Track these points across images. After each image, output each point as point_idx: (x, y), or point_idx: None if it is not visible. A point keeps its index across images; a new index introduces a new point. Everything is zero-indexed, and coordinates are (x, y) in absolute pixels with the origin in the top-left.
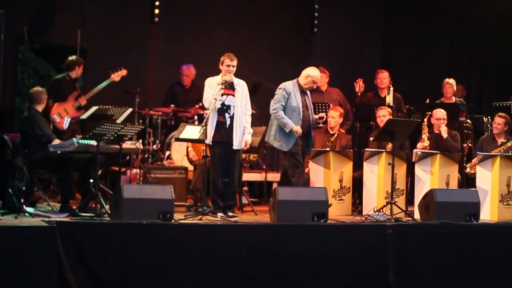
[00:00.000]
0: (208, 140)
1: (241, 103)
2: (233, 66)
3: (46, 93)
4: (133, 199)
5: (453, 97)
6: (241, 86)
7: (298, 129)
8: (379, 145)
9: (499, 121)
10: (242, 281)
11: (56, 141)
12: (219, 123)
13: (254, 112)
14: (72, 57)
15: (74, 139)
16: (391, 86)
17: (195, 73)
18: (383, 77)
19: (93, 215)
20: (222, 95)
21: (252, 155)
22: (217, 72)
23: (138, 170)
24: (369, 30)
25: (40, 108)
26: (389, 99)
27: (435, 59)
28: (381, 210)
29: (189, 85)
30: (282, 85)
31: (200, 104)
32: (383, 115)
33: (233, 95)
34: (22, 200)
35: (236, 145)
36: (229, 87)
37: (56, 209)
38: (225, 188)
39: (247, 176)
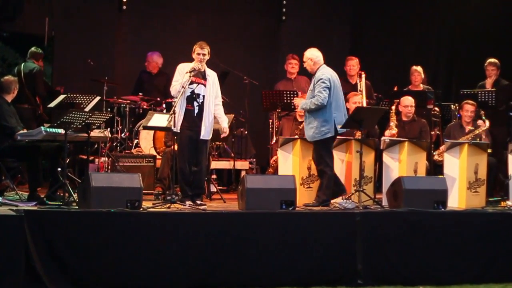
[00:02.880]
0: (176, 128)
1: (211, 94)
2: (204, 55)
3: (18, 83)
4: (102, 187)
5: (421, 85)
6: (212, 77)
7: None
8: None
9: (472, 109)
10: (210, 269)
11: (24, 131)
12: (187, 111)
13: (222, 100)
14: (37, 48)
15: (41, 127)
16: (363, 73)
17: (162, 61)
18: (352, 64)
19: (61, 203)
20: (192, 83)
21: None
22: (184, 60)
23: (106, 159)
24: (337, 18)
25: (9, 98)
26: (361, 86)
27: (403, 46)
28: (349, 198)
29: (155, 72)
30: None
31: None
32: (358, 102)
33: (204, 85)
34: None
35: (204, 135)
36: (200, 76)
37: (24, 198)
38: (194, 177)
39: (215, 164)
